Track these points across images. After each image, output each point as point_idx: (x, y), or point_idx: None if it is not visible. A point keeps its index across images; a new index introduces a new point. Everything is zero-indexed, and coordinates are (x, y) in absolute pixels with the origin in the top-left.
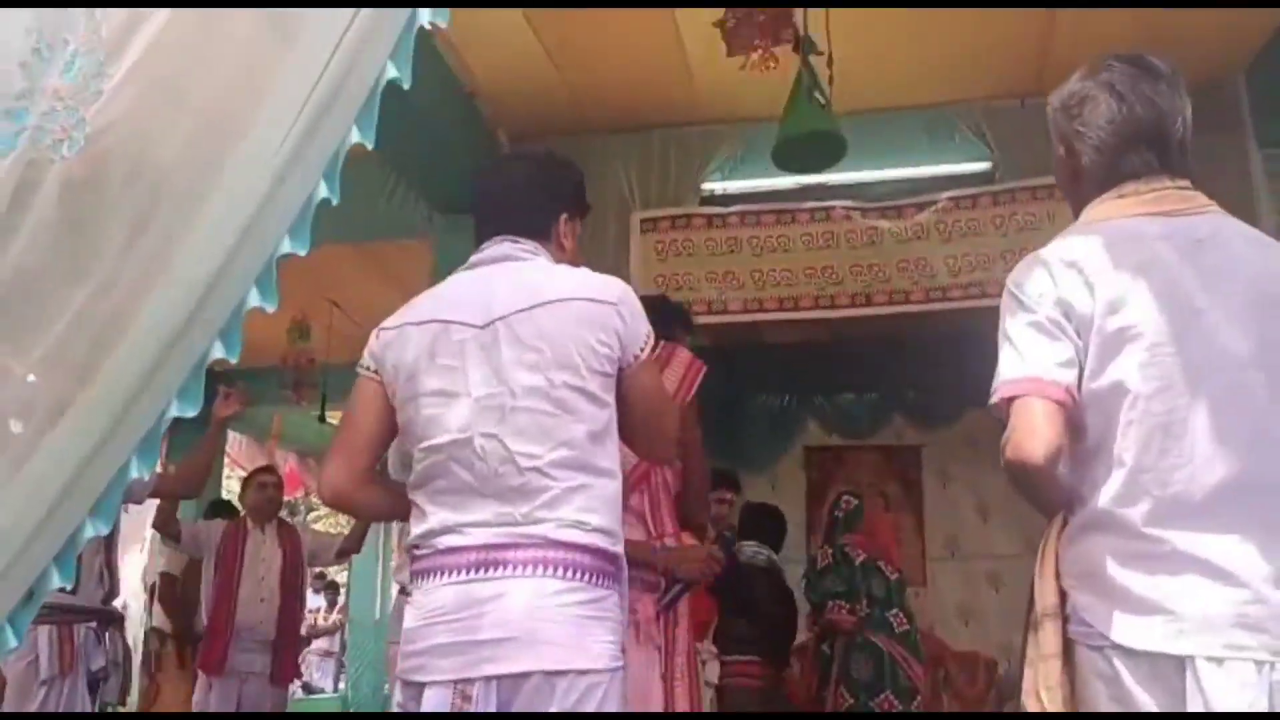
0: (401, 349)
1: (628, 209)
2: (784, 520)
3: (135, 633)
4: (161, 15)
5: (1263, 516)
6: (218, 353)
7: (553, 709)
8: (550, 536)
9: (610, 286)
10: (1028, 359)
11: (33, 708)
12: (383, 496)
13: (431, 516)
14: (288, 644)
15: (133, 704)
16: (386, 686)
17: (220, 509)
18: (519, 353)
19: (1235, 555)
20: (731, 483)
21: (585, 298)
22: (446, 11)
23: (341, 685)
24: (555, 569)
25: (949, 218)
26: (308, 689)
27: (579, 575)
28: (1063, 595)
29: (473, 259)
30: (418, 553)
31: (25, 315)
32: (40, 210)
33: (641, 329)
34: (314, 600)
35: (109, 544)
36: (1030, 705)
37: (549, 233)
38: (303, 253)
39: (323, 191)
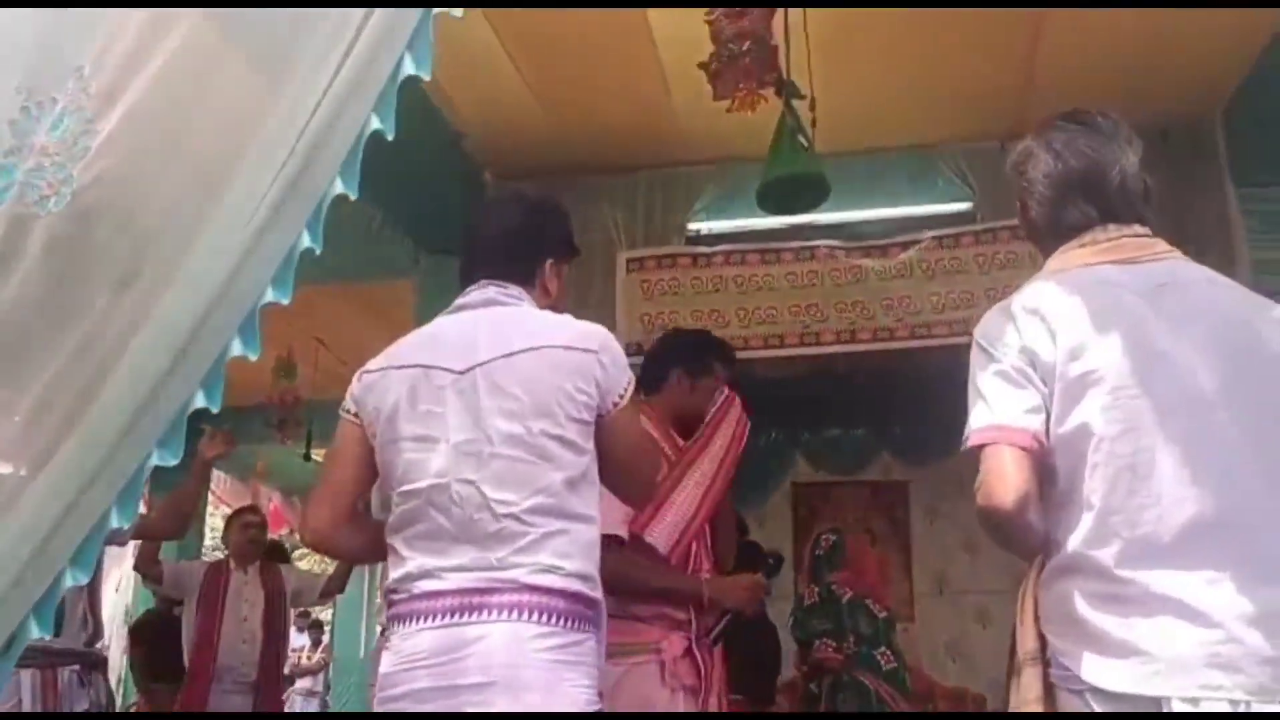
0: (383, 393)
1: (614, 249)
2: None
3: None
4: (154, 64)
5: (1232, 555)
6: (199, 402)
7: None
8: (525, 581)
9: (591, 335)
10: (995, 408)
11: None
12: (363, 540)
13: (409, 561)
14: (270, 685)
15: None
16: None
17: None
18: (497, 400)
19: (1207, 595)
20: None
21: (565, 345)
22: (429, 63)
23: None
24: (531, 613)
25: (932, 256)
26: None
27: (555, 620)
28: (1043, 640)
29: (457, 302)
30: (395, 597)
31: (11, 367)
32: (26, 265)
33: (622, 377)
34: (298, 639)
35: (92, 586)
36: None
37: (534, 278)
38: (285, 301)
39: (306, 241)
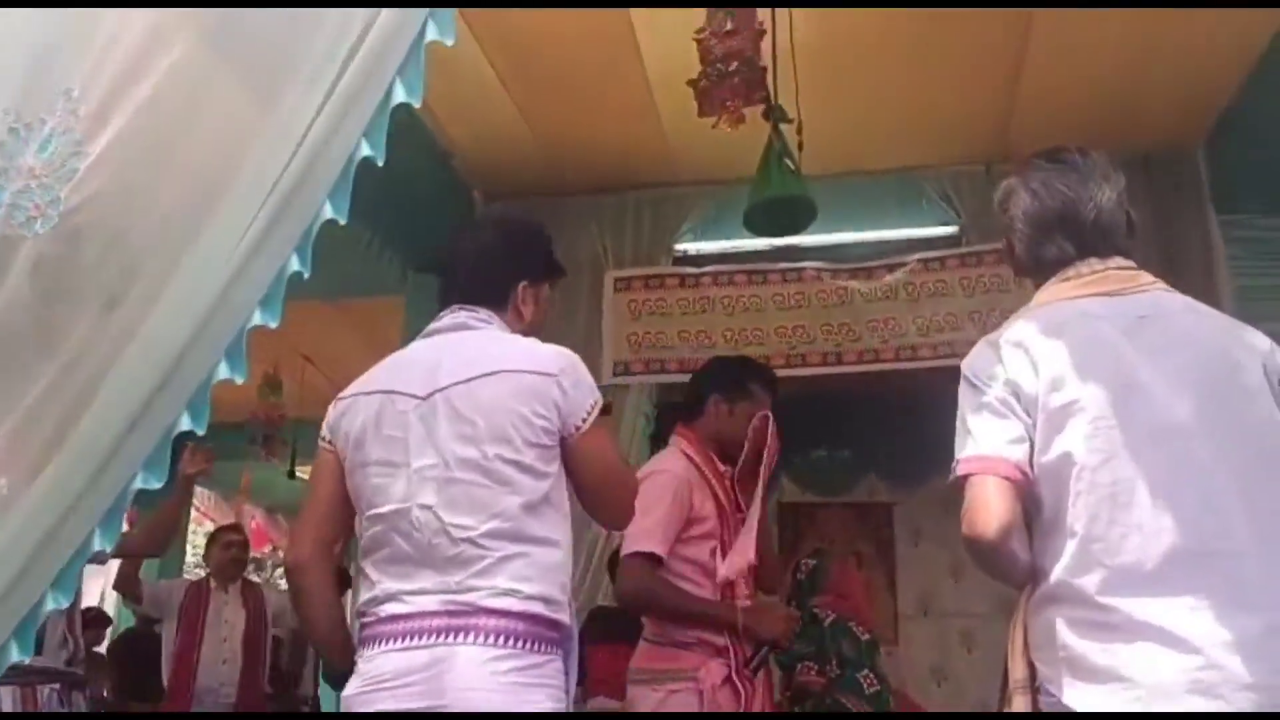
0: (352, 419)
1: (602, 268)
2: None
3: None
4: (146, 87)
5: (1213, 582)
6: (185, 424)
7: None
8: (482, 605)
9: (552, 359)
10: (979, 439)
11: None
12: (329, 598)
13: (377, 585)
14: (251, 706)
15: None
16: None
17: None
18: (455, 425)
19: (1188, 622)
20: None
21: (524, 370)
22: (420, 90)
23: None
24: (489, 636)
25: (918, 279)
26: None
27: (514, 642)
28: (1033, 668)
29: (429, 327)
30: (363, 620)
31: None
32: (12, 286)
33: (585, 400)
34: None
35: (72, 605)
36: None
37: (506, 300)
38: (273, 324)
39: (294, 265)
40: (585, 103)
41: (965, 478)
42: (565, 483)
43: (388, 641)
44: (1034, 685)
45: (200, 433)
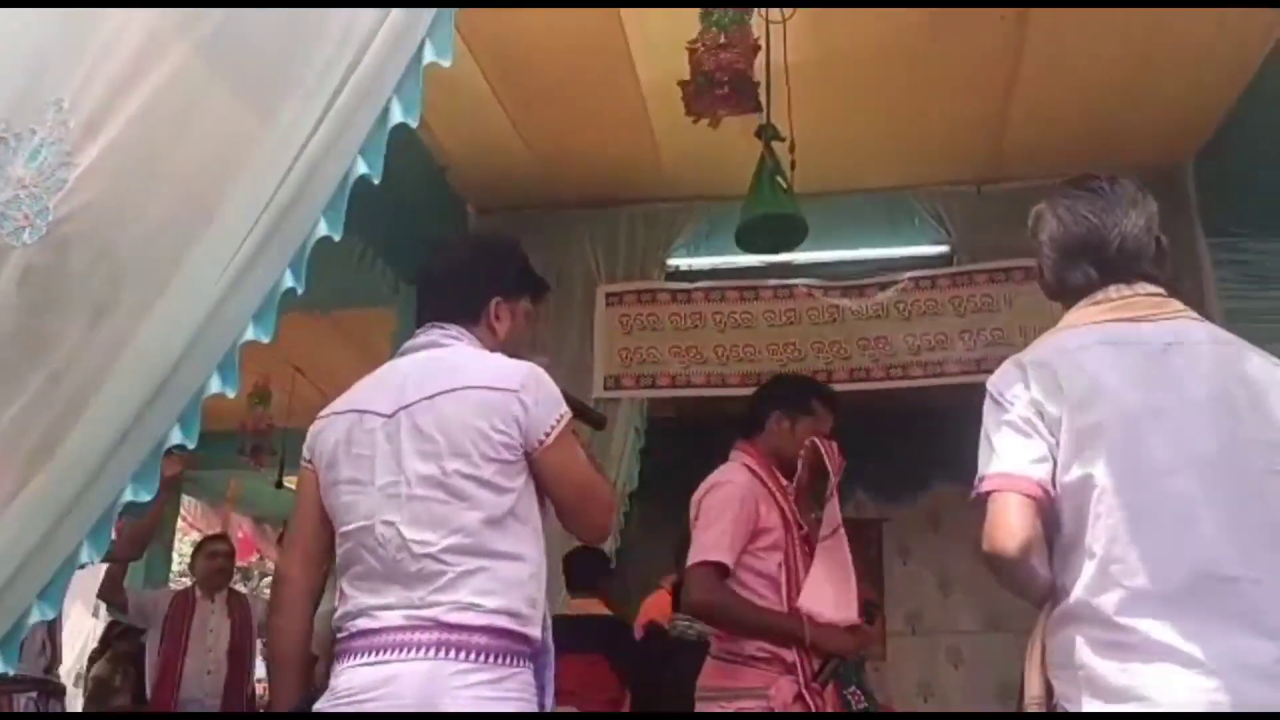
0: (326, 438)
1: (594, 283)
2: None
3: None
4: (139, 98)
5: (1230, 607)
6: (175, 438)
7: None
8: (442, 619)
9: (514, 373)
10: (1002, 457)
11: None
12: (301, 610)
13: (349, 600)
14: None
15: None
16: None
17: None
18: (417, 442)
19: (1206, 645)
20: None
21: (484, 385)
22: (417, 110)
23: None
24: (450, 651)
25: (909, 298)
26: None
27: (476, 656)
28: (1049, 686)
29: (403, 346)
30: (338, 635)
31: None
32: (0, 294)
33: (548, 415)
34: (264, 669)
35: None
36: None
37: (478, 317)
38: (266, 339)
39: (288, 281)
40: (579, 117)
41: (987, 494)
42: (535, 498)
43: (356, 656)
44: (1050, 703)
45: (191, 446)
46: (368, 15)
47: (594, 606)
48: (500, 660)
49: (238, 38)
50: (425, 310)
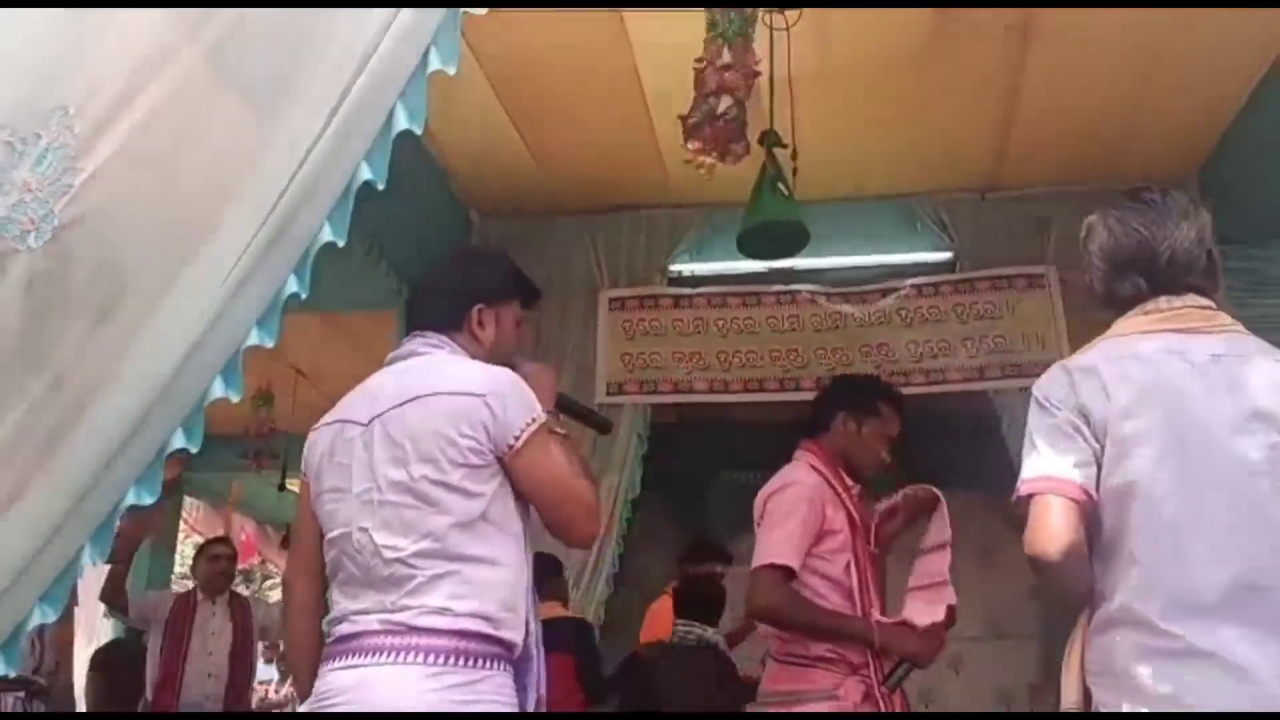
0: (314, 450)
1: (596, 288)
2: (722, 592)
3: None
4: (145, 104)
5: (1271, 616)
6: (179, 443)
7: None
8: (412, 624)
9: (482, 379)
10: (1046, 460)
11: None
12: (308, 616)
13: (335, 605)
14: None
15: None
16: None
17: None
18: (388, 449)
19: (1248, 653)
20: (720, 555)
21: (451, 391)
22: (422, 118)
23: None
24: (420, 655)
25: (911, 304)
26: None
27: (446, 659)
28: (1087, 693)
29: (389, 356)
30: (326, 639)
31: None
32: (4, 299)
33: (517, 419)
34: (266, 671)
35: None
36: None
37: (461, 324)
38: (270, 344)
39: (292, 286)
40: (582, 123)
41: (1029, 497)
42: (513, 503)
43: (336, 660)
44: (1088, 709)
45: (194, 451)
46: (373, 23)
47: (554, 609)
48: (473, 663)
49: (244, 44)
50: (413, 323)
